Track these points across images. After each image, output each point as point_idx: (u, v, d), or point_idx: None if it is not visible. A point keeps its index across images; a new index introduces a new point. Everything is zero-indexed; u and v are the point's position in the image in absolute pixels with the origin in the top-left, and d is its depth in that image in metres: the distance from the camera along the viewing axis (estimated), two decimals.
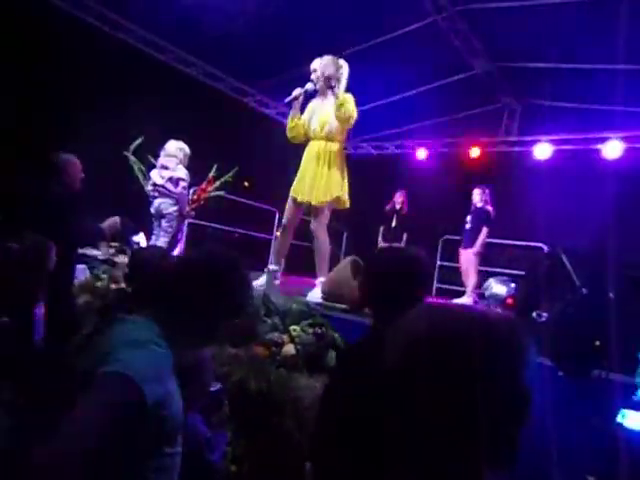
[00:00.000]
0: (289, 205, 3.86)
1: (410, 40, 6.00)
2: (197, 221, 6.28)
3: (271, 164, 7.16)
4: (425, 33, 5.96)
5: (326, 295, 3.29)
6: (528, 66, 6.33)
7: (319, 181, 3.67)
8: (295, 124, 3.83)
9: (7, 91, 4.57)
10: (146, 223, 4.83)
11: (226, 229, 7.52)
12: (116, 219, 3.37)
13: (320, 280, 3.65)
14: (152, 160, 4.58)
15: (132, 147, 4.46)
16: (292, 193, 3.81)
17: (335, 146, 3.73)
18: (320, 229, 3.68)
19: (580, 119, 6.63)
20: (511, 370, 0.68)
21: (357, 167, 9.34)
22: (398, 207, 7.02)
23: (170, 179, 4.39)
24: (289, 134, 3.90)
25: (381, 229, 7.10)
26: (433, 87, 7.06)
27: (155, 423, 1.05)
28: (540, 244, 5.97)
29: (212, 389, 1.75)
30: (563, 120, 6.74)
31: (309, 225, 3.81)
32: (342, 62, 3.82)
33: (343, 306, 3.11)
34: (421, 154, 8.53)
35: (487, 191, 5.89)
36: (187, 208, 4.54)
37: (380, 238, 7.10)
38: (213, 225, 7.26)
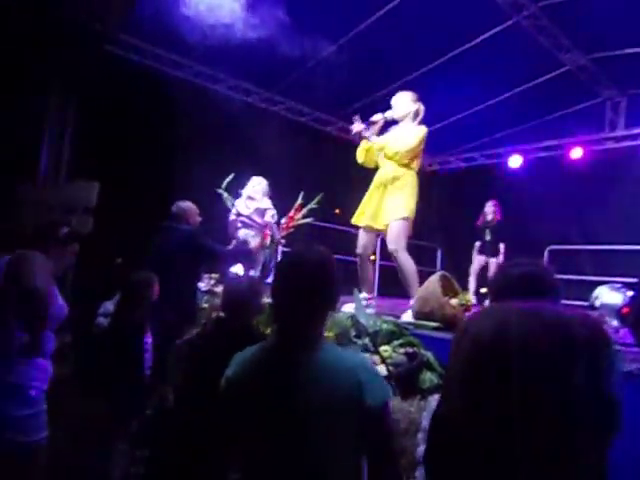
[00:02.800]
0: (360, 235, 3.85)
1: (492, 44, 5.78)
2: (288, 249, 6.51)
3: (355, 189, 7.21)
4: (507, 35, 5.71)
5: (416, 313, 3.19)
6: (626, 52, 5.76)
7: (384, 206, 3.65)
8: (368, 149, 3.83)
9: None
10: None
11: None
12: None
13: (413, 301, 3.53)
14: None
15: (224, 184, 4.76)
16: (355, 220, 3.83)
17: (403, 170, 3.65)
18: (398, 250, 3.58)
19: None
20: (595, 374, 0.60)
21: (447, 182, 9.14)
22: (490, 218, 6.66)
23: (257, 210, 4.60)
24: (359, 158, 3.91)
25: (476, 245, 6.77)
26: (521, 90, 6.71)
27: None
28: None
29: None
30: None
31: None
32: (420, 104, 3.82)
33: (434, 324, 2.98)
34: (515, 161, 8.07)
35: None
36: (278, 235, 4.70)
37: (475, 253, 6.77)
38: None
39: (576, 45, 5.94)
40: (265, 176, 6.64)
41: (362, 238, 3.84)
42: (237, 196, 4.91)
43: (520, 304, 0.69)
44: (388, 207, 3.62)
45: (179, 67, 6.43)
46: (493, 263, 6.52)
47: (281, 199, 5.24)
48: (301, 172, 7.00)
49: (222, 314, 2.41)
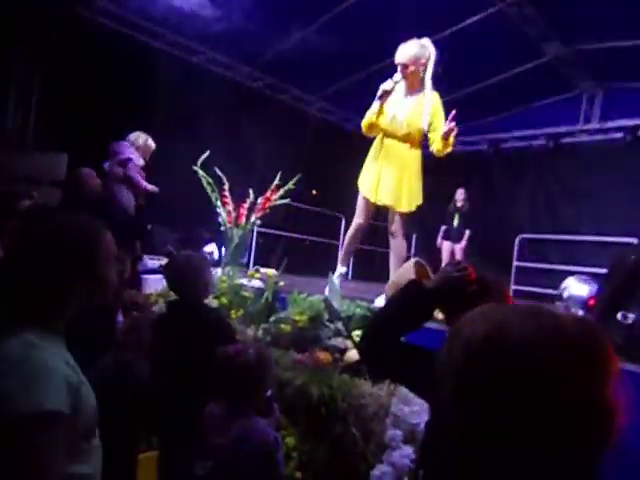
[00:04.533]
0: (365, 206, 3.59)
1: (475, 31, 5.75)
2: (266, 229, 6.45)
3: (335, 171, 7.18)
4: (490, 22, 5.68)
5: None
6: (606, 46, 5.82)
7: (405, 188, 3.46)
8: (377, 118, 3.42)
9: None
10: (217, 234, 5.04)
11: (295, 236, 7.64)
12: None
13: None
14: (219, 172, 4.75)
15: (199, 161, 4.64)
16: (369, 195, 3.52)
17: (418, 152, 3.50)
18: (399, 232, 3.54)
19: None
20: (587, 379, 0.58)
21: (424, 167, 9.14)
22: (459, 204, 6.78)
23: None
24: (368, 130, 3.53)
25: (442, 228, 6.88)
26: (500, 79, 6.73)
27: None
28: (620, 238, 5.47)
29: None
30: None
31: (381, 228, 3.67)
32: (427, 43, 3.40)
33: None
34: (489, 149, 8.15)
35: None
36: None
37: (440, 239, 6.88)
38: (282, 233, 7.42)
39: (558, 36, 5.97)
40: (243, 155, 6.55)
41: (367, 211, 3.61)
42: (214, 174, 4.80)
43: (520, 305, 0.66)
44: (411, 192, 3.49)
45: (154, 36, 6.18)
46: (457, 249, 6.66)
47: (259, 179, 5.15)
48: (280, 152, 6.90)
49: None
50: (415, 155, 3.51)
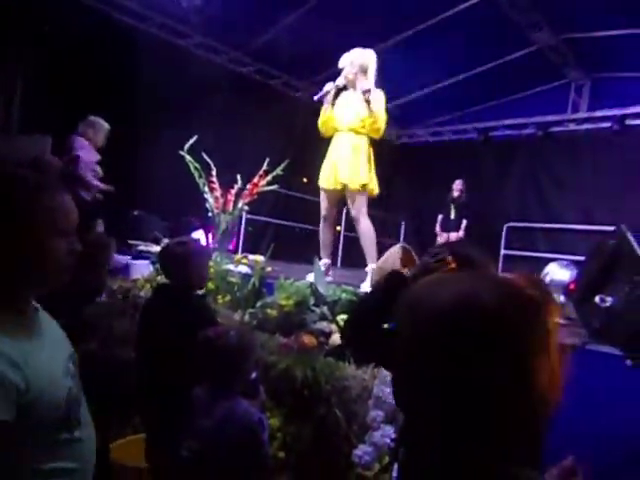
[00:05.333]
0: (324, 197, 3.87)
1: (465, 18, 5.74)
2: (254, 216, 6.43)
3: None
4: (481, 9, 5.67)
5: (374, 284, 3.22)
6: (595, 35, 5.84)
7: (349, 169, 3.65)
8: (327, 118, 3.81)
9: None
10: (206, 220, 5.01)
11: (284, 223, 7.64)
12: None
13: (370, 267, 3.62)
14: (206, 158, 4.71)
15: (186, 146, 4.60)
16: (324, 184, 3.82)
17: (363, 139, 3.69)
18: (360, 215, 3.66)
19: None
20: (540, 333, 0.61)
21: (414, 155, 9.17)
22: (456, 195, 6.83)
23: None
24: (321, 128, 3.90)
25: (439, 218, 6.94)
26: (490, 67, 6.73)
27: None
28: (607, 227, 5.54)
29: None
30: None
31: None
32: (370, 52, 3.76)
33: None
34: (480, 138, 8.17)
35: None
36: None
37: (438, 228, 6.95)
38: (271, 220, 7.41)
39: (548, 24, 5.97)
40: (231, 140, 6.50)
41: (325, 201, 3.88)
42: (201, 159, 4.76)
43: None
44: (352, 171, 3.64)
45: (141, 19, 6.08)
46: (454, 238, 6.71)
47: (247, 165, 5.12)
48: (268, 138, 6.86)
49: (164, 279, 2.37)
50: (362, 141, 3.68)
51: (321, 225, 3.96)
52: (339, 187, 3.72)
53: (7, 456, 0.86)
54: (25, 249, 0.92)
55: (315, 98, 3.86)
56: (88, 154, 4.19)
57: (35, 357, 0.92)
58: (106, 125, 4.42)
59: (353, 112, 3.65)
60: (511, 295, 0.63)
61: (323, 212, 3.91)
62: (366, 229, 3.67)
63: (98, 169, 4.36)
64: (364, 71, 3.69)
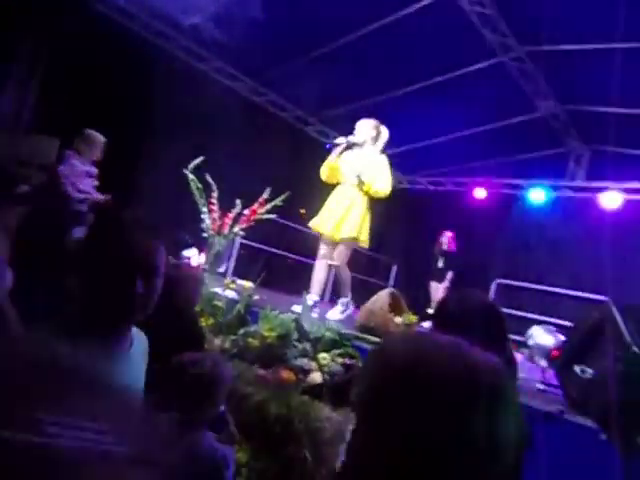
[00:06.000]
0: (321, 238, 4.14)
1: (475, 78, 5.97)
2: (249, 242, 6.44)
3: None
4: (491, 72, 5.91)
5: (360, 325, 3.23)
6: (598, 110, 6.07)
7: (340, 220, 3.93)
8: (332, 168, 4.06)
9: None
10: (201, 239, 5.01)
11: (277, 252, 7.64)
12: None
13: (342, 301, 3.97)
14: (209, 180, 4.76)
15: (191, 165, 4.65)
16: (319, 229, 4.08)
17: (363, 195, 3.98)
18: (342, 264, 3.95)
19: None
20: (490, 415, 0.62)
21: (413, 202, 9.31)
22: (444, 247, 6.94)
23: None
24: (323, 175, 4.14)
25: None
26: (496, 127, 6.94)
27: None
28: (596, 296, 5.60)
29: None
30: (636, 169, 6.38)
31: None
32: (383, 128, 4.14)
33: (376, 339, 3.03)
34: (479, 193, 8.33)
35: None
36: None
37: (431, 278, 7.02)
38: (265, 248, 7.41)
39: (553, 94, 6.21)
40: (234, 165, 6.57)
41: (323, 242, 4.08)
42: (204, 181, 4.81)
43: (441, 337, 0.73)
44: (343, 224, 3.91)
45: (162, 36, 6.25)
46: (441, 288, 6.77)
47: (248, 191, 5.17)
48: (272, 167, 6.95)
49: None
50: (361, 196, 3.97)
51: (318, 262, 4.10)
52: (329, 235, 3.98)
53: None
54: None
55: (327, 146, 4.14)
56: (72, 168, 4.19)
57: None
58: (101, 138, 4.46)
59: (355, 172, 3.95)
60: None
61: (322, 251, 4.07)
62: (344, 273, 4.00)
63: (91, 181, 4.36)
64: (375, 139, 4.05)
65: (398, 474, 0.61)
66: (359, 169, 3.91)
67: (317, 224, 4.07)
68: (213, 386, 1.70)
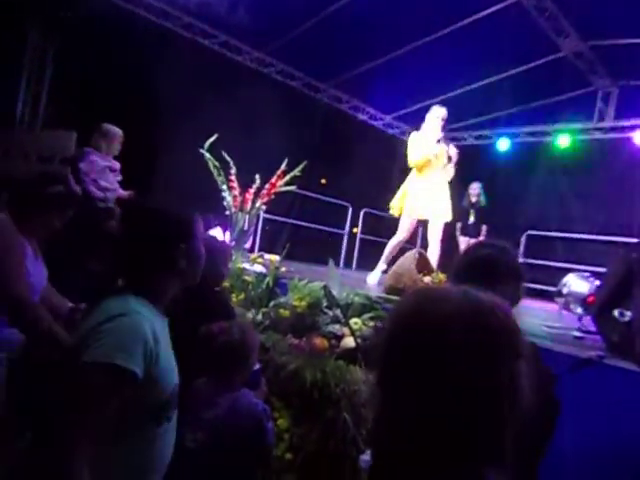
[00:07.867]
0: (407, 222, 4.62)
1: (491, 23, 5.67)
2: (271, 216, 6.46)
3: (344, 160, 7.16)
4: (508, 14, 5.59)
5: (389, 287, 3.21)
6: (623, 42, 5.71)
7: (440, 204, 4.58)
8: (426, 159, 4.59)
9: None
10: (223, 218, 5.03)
11: (301, 224, 7.64)
12: None
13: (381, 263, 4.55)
14: (226, 157, 4.75)
15: (207, 144, 4.64)
16: (412, 213, 4.57)
17: (444, 174, 4.67)
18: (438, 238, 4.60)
19: None
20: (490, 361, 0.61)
21: None
22: (474, 200, 6.71)
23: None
24: (420, 166, 4.61)
25: (458, 225, 6.78)
26: (517, 72, 6.63)
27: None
28: (629, 239, 5.41)
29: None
30: None
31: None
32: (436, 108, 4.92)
33: None
34: (503, 145, 8.06)
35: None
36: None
37: (458, 233, 6.82)
38: (287, 220, 7.42)
39: (575, 31, 5.87)
40: (250, 140, 6.53)
41: (410, 227, 4.70)
42: (220, 158, 4.79)
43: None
44: (444, 206, 4.70)
45: (167, 17, 6.16)
46: (470, 243, 6.59)
47: (265, 165, 5.14)
48: (289, 139, 6.88)
49: None
50: (443, 177, 4.67)
51: (394, 243, 4.67)
52: (423, 218, 4.63)
53: (115, 412, 0.99)
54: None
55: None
56: (92, 165, 4.15)
57: (164, 343, 1.12)
58: (119, 132, 4.40)
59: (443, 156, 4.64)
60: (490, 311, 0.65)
61: (405, 234, 4.63)
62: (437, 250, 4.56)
63: (114, 176, 4.33)
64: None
65: (423, 418, 0.61)
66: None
67: (410, 209, 4.59)
68: (242, 351, 1.78)
